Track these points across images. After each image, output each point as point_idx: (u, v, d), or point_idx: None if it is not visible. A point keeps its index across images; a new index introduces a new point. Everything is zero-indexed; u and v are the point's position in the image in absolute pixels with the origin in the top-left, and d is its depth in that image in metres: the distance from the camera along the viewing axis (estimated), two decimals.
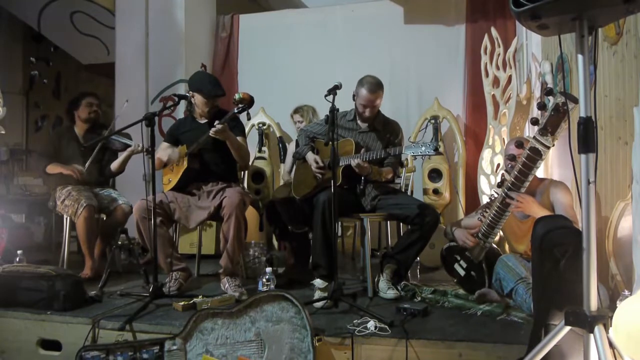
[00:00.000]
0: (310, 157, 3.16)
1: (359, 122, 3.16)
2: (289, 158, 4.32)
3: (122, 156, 3.58)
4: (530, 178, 2.28)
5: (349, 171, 2.96)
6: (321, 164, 3.09)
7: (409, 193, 3.83)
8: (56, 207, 3.46)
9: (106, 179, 3.76)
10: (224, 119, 2.93)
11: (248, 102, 2.91)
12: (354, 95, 3.08)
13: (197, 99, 3.14)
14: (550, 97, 2.04)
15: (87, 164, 3.50)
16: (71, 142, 3.62)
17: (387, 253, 3.14)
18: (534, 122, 2.09)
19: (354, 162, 2.89)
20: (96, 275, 3.30)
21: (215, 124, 2.91)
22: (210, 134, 2.91)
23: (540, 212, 2.31)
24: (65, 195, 3.40)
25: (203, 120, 3.18)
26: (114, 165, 3.63)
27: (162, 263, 2.97)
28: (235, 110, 2.92)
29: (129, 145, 3.51)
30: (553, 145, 2.13)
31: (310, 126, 3.45)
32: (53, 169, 3.52)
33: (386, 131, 3.15)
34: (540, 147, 2.14)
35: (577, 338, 1.53)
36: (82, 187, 3.47)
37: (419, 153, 2.72)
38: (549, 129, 2.07)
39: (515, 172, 2.29)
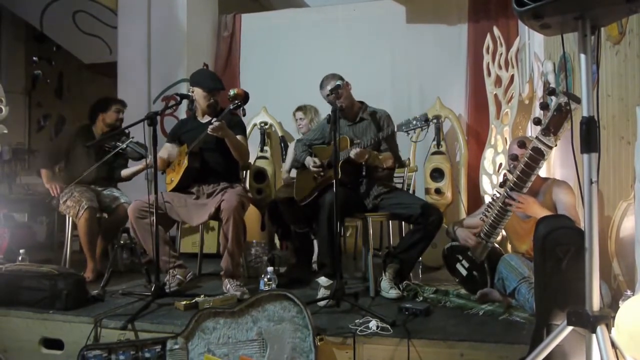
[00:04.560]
0: (308, 160, 3.20)
1: (345, 119, 3.20)
2: (289, 156, 4.33)
3: (135, 168, 3.58)
4: (533, 178, 2.28)
5: (347, 166, 2.97)
6: (318, 163, 3.13)
7: (410, 192, 3.83)
8: (59, 206, 3.46)
9: (112, 179, 3.76)
10: (221, 116, 2.94)
11: (242, 98, 2.91)
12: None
13: (197, 93, 3.15)
14: (553, 97, 2.04)
15: (87, 172, 3.45)
16: (88, 141, 3.54)
17: (390, 252, 3.14)
18: (537, 122, 2.09)
19: (352, 152, 2.89)
20: (98, 275, 3.31)
21: (212, 121, 2.91)
22: (208, 132, 2.91)
23: (541, 212, 2.30)
24: (68, 195, 3.40)
25: (204, 120, 3.19)
26: (125, 173, 3.63)
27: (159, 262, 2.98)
28: (231, 107, 2.92)
29: (144, 157, 3.43)
30: (556, 146, 2.12)
31: (305, 136, 3.51)
32: (43, 174, 3.55)
33: (375, 119, 3.16)
34: (542, 148, 2.13)
35: (579, 338, 1.53)
36: (85, 188, 3.47)
37: (411, 127, 2.73)
38: (551, 129, 2.06)
39: (518, 172, 2.29)
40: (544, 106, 2.02)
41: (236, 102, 2.92)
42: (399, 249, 3.00)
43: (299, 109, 4.26)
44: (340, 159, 2.97)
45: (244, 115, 3.13)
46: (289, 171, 4.16)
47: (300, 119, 4.22)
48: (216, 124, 2.87)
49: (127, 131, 3.48)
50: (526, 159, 2.22)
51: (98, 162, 3.43)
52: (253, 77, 5.14)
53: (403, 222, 3.45)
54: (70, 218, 3.46)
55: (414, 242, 2.92)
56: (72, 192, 3.41)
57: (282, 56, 5.09)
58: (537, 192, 2.54)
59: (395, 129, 2.85)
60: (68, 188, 3.44)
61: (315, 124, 4.01)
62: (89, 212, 3.31)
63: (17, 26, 6.67)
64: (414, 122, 2.72)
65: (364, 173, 3.09)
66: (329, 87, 3.05)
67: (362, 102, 3.25)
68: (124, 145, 3.44)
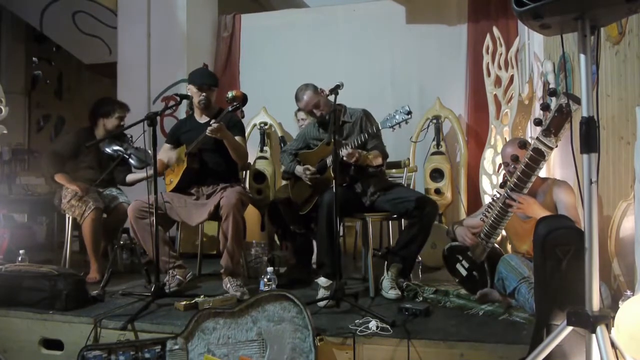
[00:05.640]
0: (299, 168, 3.21)
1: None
2: None
3: (140, 175, 3.52)
4: (533, 179, 2.27)
5: (339, 167, 2.97)
6: (312, 170, 3.14)
7: None
8: (61, 205, 3.45)
9: (112, 179, 3.75)
10: (220, 118, 2.94)
11: (241, 100, 2.91)
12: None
13: (191, 90, 3.16)
14: (553, 98, 2.04)
15: (101, 177, 3.45)
16: (92, 147, 3.50)
17: (391, 250, 3.14)
18: (537, 123, 2.08)
19: (344, 152, 2.89)
20: (100, 276, 3.31)
21: (210, 122, 2.91)
22: (207, 133, 2.91)
23: (541, 212, 2.30)
24: (72, 194, 3.39)
25: (203, 120, 3.19)
26: (129, 179, 3.60)
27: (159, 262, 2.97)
28: (230, 109, 2.92)
29: (148, 164, 3.34)
30: (556, 146, 2.12)
31: (288, 145, 3.53)
32: (60, 178, 3.46)
33: (356, 119, 3.17)
34: (543, 148, 2.13)
35: (579, 338, 1.53)
36: (89, 188, 3.46)
37: (395, 122, 2.72)
38: (552, 130, 2.06)
39: (518, 173, 2.28)
40: (545, 107, 2.02)
41: (235, 104, 2.91)
42: (399, 245, 2.99)
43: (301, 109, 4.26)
44: (330, 162, 2.98)
45: (243, 117, 3.13)
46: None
47: (303, 119, 4.21)
48: (214, 125, 2.87)
49: (128, 136, 3.47)
50: (527, 159, 2.22)
51: (104, 168, 3.42)
52: (253, 78, 5.15)
53: (402, 221, 3.45)
54: (71, 218, 3.45)
55: (412, 236, 2.91)
56: (76, 191, 3.40)
57: (282, 56, 5.09)
58: (537, 192, 2.54)
59: (380, 127, 2.85)
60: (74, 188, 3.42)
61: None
62: (96, 212, 3.30)
63: (17, 26, 6.66)
64: (397, 117, 2.71)
65: (351, 174, 3.08)
66: (305, 98, 3.09)
67: (340, 105, 3.23)
68: (127, 155, 3.40)
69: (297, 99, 3.15)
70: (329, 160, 3.02)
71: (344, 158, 2.89)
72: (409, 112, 2.70)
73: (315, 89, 3.12)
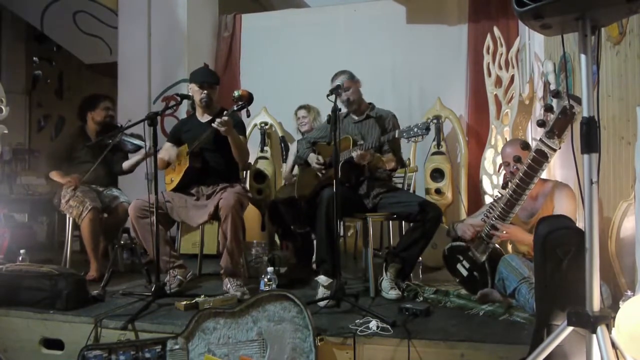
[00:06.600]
0: (312, 156, 3.22)
1: (352, 115, 3.25)
2: (290, 158, 4.33)
3: (135, 159, 3.59)
4: (536, 180, 2.26)
5: (348, 166, 2.97)
6: (322, 161, 3.15)
7: (410, 192, 3.83)
8: (60, 206, 3.46)
9: (113, 178, 3.76)
10: (227, 113, 2.93)
11: (247, 99, 2.90)
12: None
13: (192, 89, 3.17)
14: (555, 99, 2.03)
15: (93, 167, 3.47)
16: (84, 143, 3.61)
17: (391, 251, 3.14)
18: (540, 124, 2.07)
19: (354, 153, 2.90)
20: (100, 275, 3.31)
21: (215, 120, 2.90)
22: (214, 125, 2.89)
23: (526, 238, 2.36)
24: (70, 195, 3.39)
25: (205, 119, 3.19)
26: (126, 165, 3.65)
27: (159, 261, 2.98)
28: (235, 108, 2.92)
29: (141, 147, 3.49)
30: (559, 148, 2.11)
31: (309, 134, 3.54)
32: (55, 175, 3.55)
33: (381, 119, 3.19)
34: (546, 150, 2.12)
35: (580, 338, 1.53)
36: (87, 188, 3.47)
37: (412, 134, 2.74)
38: (555, 131, 2.05)
39: (521, 174, 2.28)
40: (549, 108, 2.01)
41: (240, 103, 2.91)
42: (400, 247, 3.00)
43: (302, 107, 4.27)
44: (342, 159, 2.98)
45: (249, 116, 3.13)
46: (292, 170, 4.17)
47: (303, 117, 4.22)
48: (225, 118, 2.86)
49: (120, 125, 3.50)
50: (529, 161, 2.21)
51: (97, 161, 3.44)
52: (253, 77, 5.15)
53: (403, 222, 3.45)
54: (71, 218, 3.46)
55: (415, 239, 2.92)
56: (74, 191, 3.41)
57: (282, 56, 5.09)
58: (538, 195, 2.54)
59: (396, 135, 2.86)
60: (70, 188, 3.43)
61: (317, 123, 4.02)
62: (93, 212, 3.31)
63: (17, 26, 6.66)
64: (415, 130, 2.73)
65: (367, 174, 3.09)
66: (337, 81, 3.10)
67: (370, 103, 3.26)
68: (117, 139, 3.46)
69: (332, 80, 3.17)
70: (341, 156, 3.01)
71: (355, 159, 2.90)
72: (428, 129, 2.73)
73: (352, 76, 3.17)
